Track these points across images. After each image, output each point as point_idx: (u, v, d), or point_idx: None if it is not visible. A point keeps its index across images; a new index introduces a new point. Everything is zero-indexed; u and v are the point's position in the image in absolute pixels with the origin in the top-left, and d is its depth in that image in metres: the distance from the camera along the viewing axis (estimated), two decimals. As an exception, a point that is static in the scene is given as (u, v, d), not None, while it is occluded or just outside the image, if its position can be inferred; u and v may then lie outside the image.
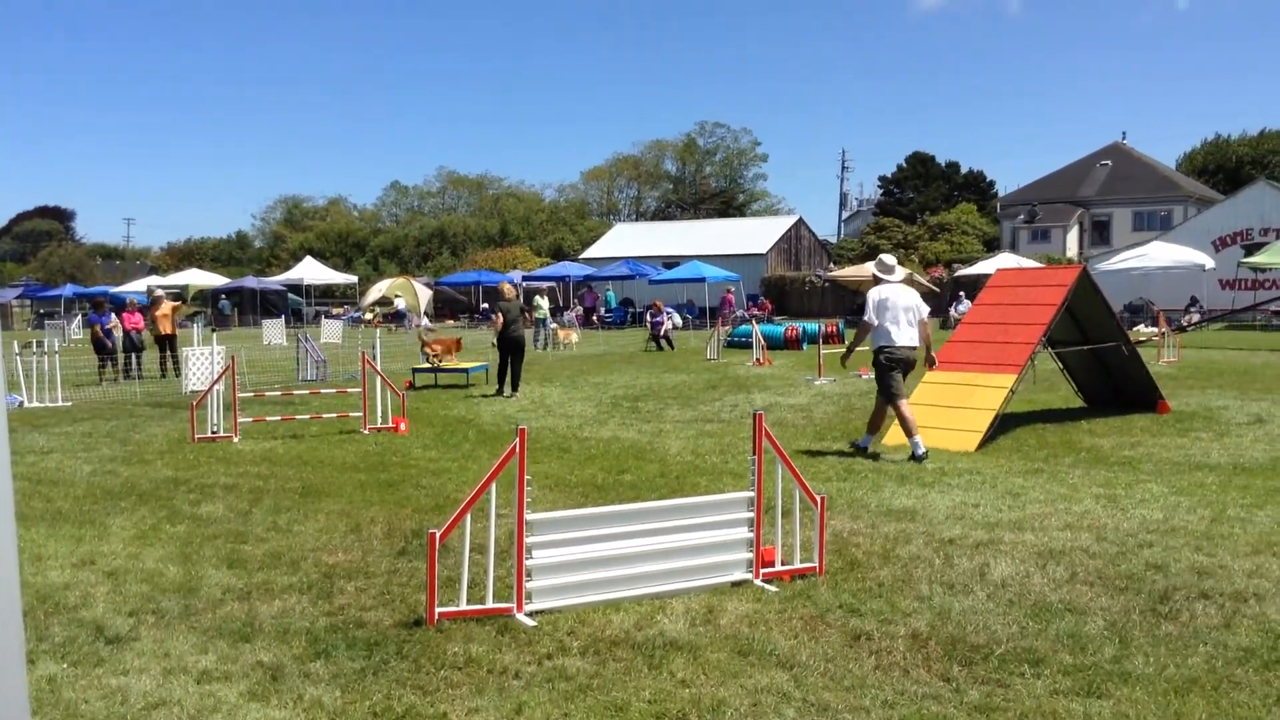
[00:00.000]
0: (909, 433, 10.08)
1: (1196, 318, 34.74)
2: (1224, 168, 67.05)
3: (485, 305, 53.08)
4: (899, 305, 10.28)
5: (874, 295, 10.39)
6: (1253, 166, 63.77)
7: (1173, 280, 36.74)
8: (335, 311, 50.70)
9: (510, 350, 16.41)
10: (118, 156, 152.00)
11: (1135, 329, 28.19)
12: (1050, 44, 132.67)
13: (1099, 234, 57.67)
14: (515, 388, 16.48)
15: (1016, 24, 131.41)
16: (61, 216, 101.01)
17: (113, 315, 20.86)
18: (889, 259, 10.80)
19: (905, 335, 10.26)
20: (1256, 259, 33.05)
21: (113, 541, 7.09)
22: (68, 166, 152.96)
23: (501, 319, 16.23)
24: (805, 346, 26.93)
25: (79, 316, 47.99)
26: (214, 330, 19.64)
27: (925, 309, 10.50)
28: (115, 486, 9.07)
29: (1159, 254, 37.04)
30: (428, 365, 18.40)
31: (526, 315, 17.14)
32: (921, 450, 9.95)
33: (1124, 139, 63.24)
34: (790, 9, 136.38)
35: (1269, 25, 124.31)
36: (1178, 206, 54.58)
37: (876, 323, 10.29)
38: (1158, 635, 5.06)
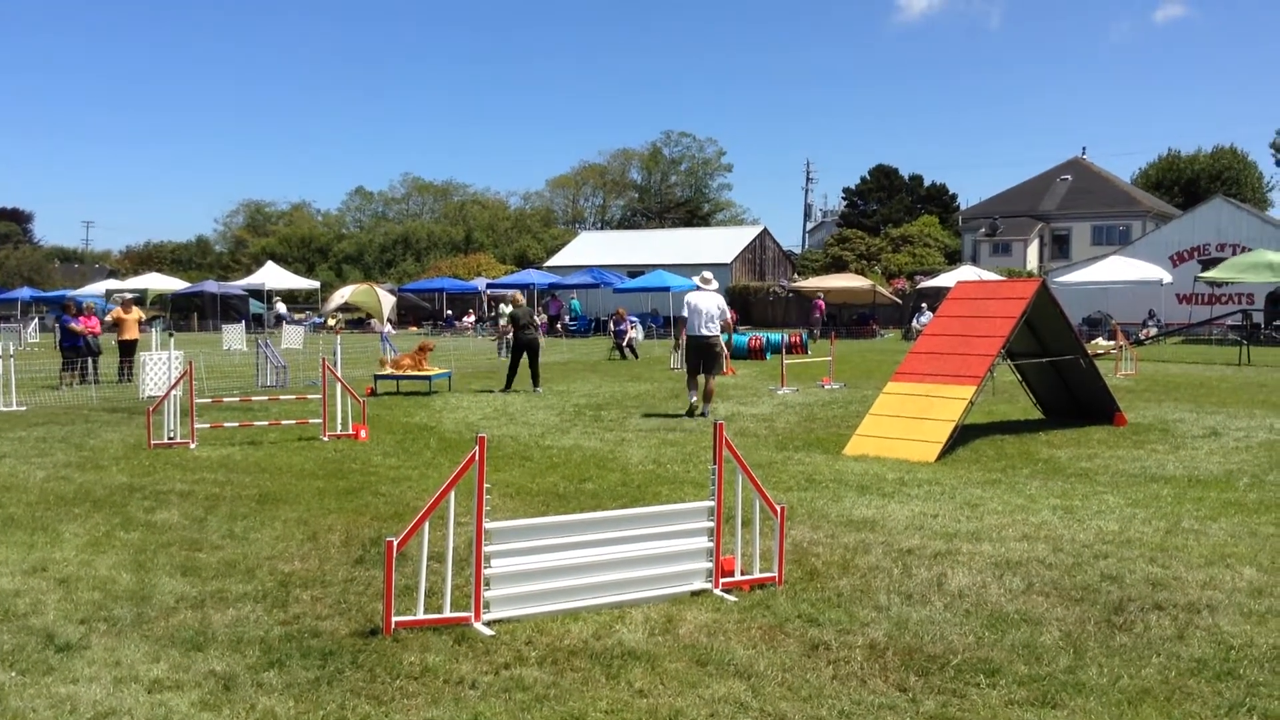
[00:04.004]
0: (689, 389, 14.47)
1: (1154, 331, 35.17)
2: (1179, 183, 68.11)
3: (449, 313, 52.88)
4: (702, 307, 14.08)
5: (687, 299, 14.33)
6: (1208, 182, 64.81)
7: (1131, 294, 37.27)
8: (297, 317, 50.17)
9: (525, 350, 17.99)
10: (77, 158, 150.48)
11: (1093, 342, 28.48)
12: (1013, 60, 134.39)
13: (1059, 248, 58.37)
14: (536, 384, 17.98)
15: (980, 41, 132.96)
16: (19, 218, 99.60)
17: (80, 318, 20.47)
18: (707, 274, 14.91)
19: (702, 329, 14.07)
20: (1213, 274, 33.50)
21: (65, 548, 6.98)
22: (26, 168, 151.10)
23: (513, 325, 18.00)
24: (769, 356, 27.02)
25: (35, 320, 47.25)
26: (172, 334, 19.37)
27: (728, 312, 14.72)
28: (69, 492, 8.93)
29: (1117, 268, 37.50)
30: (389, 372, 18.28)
31: (536, 321, 18.79)
32: (693, 399, 14.33)
33: (1084, 154, 64.09)
34: (758, 21, 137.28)
35: (1223, 44, 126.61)
36: (1136, 221, 55.37)
37: (688, 318, 14.19)
38: (1112, 646, 5.11)
